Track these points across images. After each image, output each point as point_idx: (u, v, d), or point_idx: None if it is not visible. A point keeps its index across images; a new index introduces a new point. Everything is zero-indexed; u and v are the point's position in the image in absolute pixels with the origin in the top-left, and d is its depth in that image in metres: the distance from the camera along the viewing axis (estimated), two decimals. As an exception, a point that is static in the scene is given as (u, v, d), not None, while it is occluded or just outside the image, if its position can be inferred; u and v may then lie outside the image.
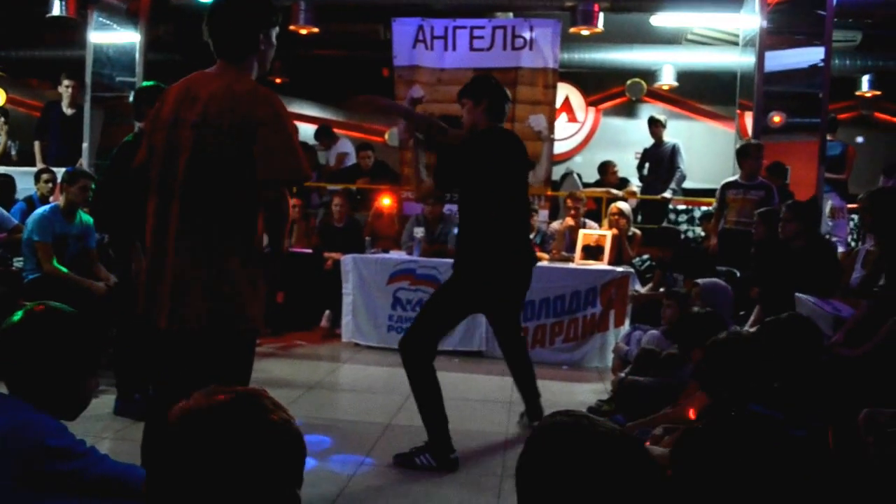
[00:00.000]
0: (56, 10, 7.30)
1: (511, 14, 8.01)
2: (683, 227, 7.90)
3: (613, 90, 10.68)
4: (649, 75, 9.87)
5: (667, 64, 9.55)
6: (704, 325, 3.29)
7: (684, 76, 9.60)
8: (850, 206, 6.73)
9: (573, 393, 4.82)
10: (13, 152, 8.36)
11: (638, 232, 6.60)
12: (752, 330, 3.61)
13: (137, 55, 7.38)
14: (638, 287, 5.76)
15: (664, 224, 7.68)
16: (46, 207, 4.85)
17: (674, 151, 7.85)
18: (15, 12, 8.18)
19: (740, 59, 7.78)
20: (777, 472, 1.34)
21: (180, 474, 1.07)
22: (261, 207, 2.36)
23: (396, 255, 6.29)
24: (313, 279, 6.58)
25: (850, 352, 3.38)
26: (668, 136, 8.04)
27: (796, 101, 6.85)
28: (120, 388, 3.98)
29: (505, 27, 7.47)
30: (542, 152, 7.13)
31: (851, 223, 7.10)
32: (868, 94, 9.80)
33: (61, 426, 1.65)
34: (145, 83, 4.32)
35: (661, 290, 5.31)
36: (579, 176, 8.48)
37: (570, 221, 6.44)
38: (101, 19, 7.25)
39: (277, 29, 2.47)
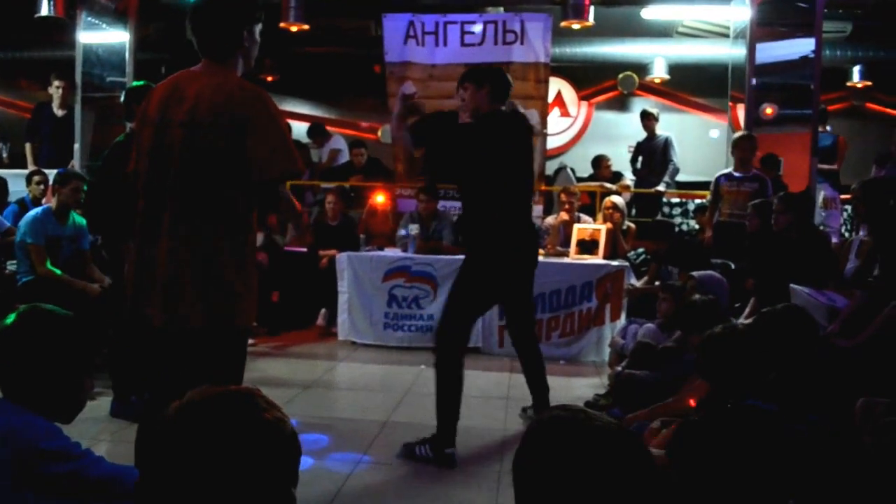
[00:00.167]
0: (44, 11, 7.25)
1: (501, 9, 8.00)
2: (678, 219, 7.92)
3: (605, 84, 10.70)
4: (641, 68, 9.88)
5: (658, 57, 9.56)
6: (706, 313, 3.30)
7: (676, 69, 9.62)
8: (842, 196, 6.75)
9: (570, 387, 4.82)
10: (4, 154, 8.33)
11: (632, 226, 6.61)
12: (748, 321, 3.61)
13: (127, 55, 7.34)
14: (633, 281, 5.76)
15: (658, 217, 7.70)
16: (39, 209, 4.83)
17: (666, 144, 7.86)
18: (2, 13, 8.12)
19: (731, 52, 7.79)
20: (773, 465, 1.34)
21: (174, 474, 1.06)
22: (254, 205, 2.36)
23: (391, 252, 6.28)
24: (308, 278, 6.57)
25: (846, 342, 3.39)
26: (661, 130, 8.06)
27: (788, 92, 6.87)
28: (116, 389, 3.97)
29: (496, 22, 7.46)
30: (535, 147, 7.12)
31: (845, 213, 7.13)
32: (859, 85, 9.83)
33: (56, 429, 1.64)
34: (135, 83, 4.29)
35: (657, 283, 5.32)
36: (573, 170, 8.48)
37: (564, 216, 6.44)
38: (90, 19, 7.21)
39: (261, 25, 2.45)
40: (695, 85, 10.16)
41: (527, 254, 3.76)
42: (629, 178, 8.27)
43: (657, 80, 9.88)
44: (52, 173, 5.46)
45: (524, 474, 1.15)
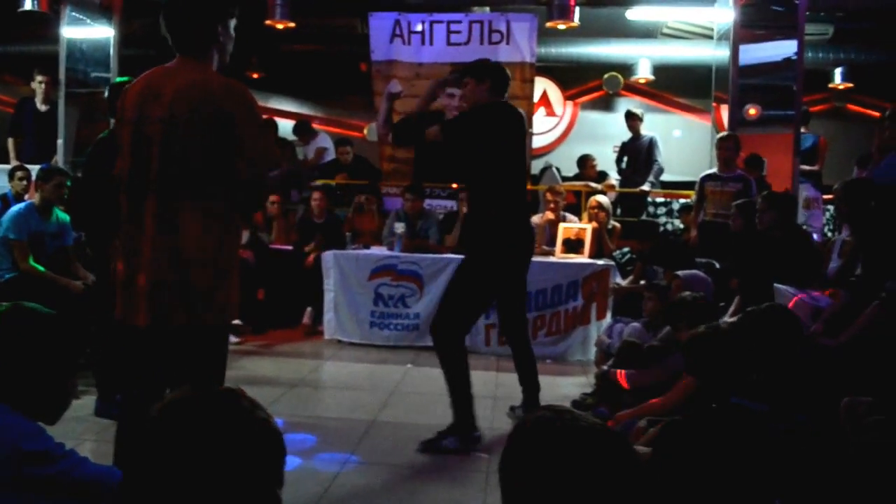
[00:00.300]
0: (28, 5, 7.17)
1: (488, 8, 8.01)
2: (662, 219, 7.97)
3: (591, 84, 10.73)
4: (626, 69, 9.92)
5: (643, 58, 9.61)
6: (696, 309, 3.33)
7: (660, 70, 9.67)
8: (824, 196, 6.81)
9: (557, 386, 4.84)
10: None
11: (617, 225, 6.64)
12: (732, 320, 3.64)
13: (112, 50, 7.28)
14: (619, 280, 5.79)
15: (643, 217, 7.73)
16: (22, 205, 4.79)
17: (651, 144, 7.91)
18: (-15, 8, 8.03)
19: (715, 53, 7.84)
20: (759, 465, 1.35)
21: (157, 475, 1.06)
22: (236, 200, 2.35)
23: (377, 250, 6.28)
24: (294, 276, 6.55)
25: (830, 341, 3.43)
26: (646, 130, 8.10)
27: (771, 93, 6.92)
28: (100, 388, 3.94)
29: (482, 21, 7.48)
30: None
31: (827, 214, 7.20)
32: (841, 87, 9.93)
33: (39, 429, 1.62)
34: (119, 79, 4.26)
35: (642, 282, 5.34)
36: (558, 170, 8.50)
37: (549, 215, 6.45)
38: (73, 14, 7.14)
39: (236, 20, 2.44)
40: (679, 86, 10.22)
41: (527, 249, 3.85)
42: (614, 178, 8.31)
43: (642, 81, 9.93)
44: (34, 169, 5.41)
45: (510, 475, 1.15)
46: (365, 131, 10.62)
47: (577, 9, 7.43)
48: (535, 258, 5.94)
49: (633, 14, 8.53)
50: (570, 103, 10.96)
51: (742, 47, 6.83)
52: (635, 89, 10.46)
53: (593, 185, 7.83)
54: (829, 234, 6.66)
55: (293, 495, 2.86)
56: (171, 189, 2.27)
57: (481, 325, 5.67)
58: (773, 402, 2.43)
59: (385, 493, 3.12)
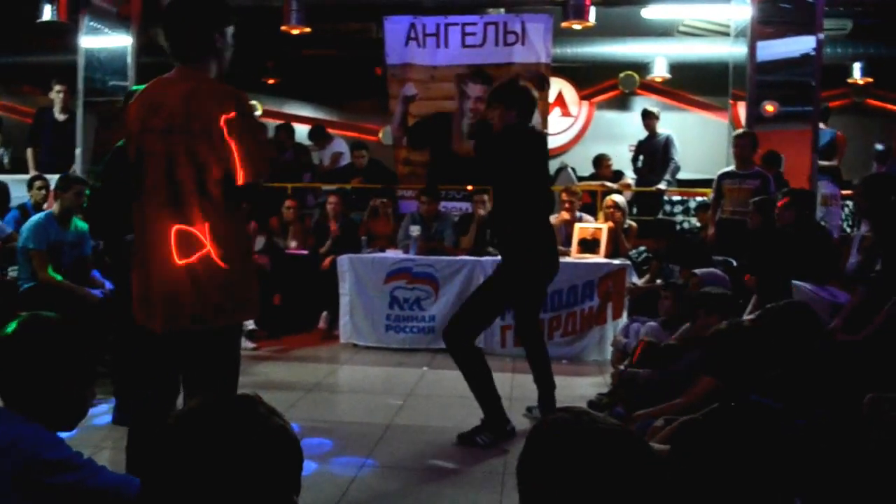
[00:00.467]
0: (47, 15, 7.27)
1: (502, 10, 8.00)
2: (679, 217, 7.91)
3: (606, 83, 10.68)
4: (642, 68, 9.87)
5: (659, 56, 9.55)
6: (720, 303, 3.32)
7: (677, 68, 9.60)
8: (843, 192, 6.74)
9: (573, 387, 4.81)
10: (5, 160, 8.33)
11: (633, 224, 6.60)
12: (751, 318, 3.60)
13: (129, 59, 7.36)
14: (635, 279, 5.76)
15: (659, 216, 7.69)
16: (41, 215, 4.82)
17: (667, 143, 7.85)
18: (5, 18, 8.13)
19: (732, 50, 7.78)
20: (778, 463, 1.33)
21: (175, 483, 1.06)
22: (240, 203, 2.37)
23: (393, 254, 6.28)
24: (310, 280, 6.57)
25: (850, 337, 3.38)
26: (662, 128, 8.04)
27: (789, 90, 6.86)
28: (119, 397, 3.96)
29: (497, 23, 7.47)
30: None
31: (846, 209, 7.11)
32: (860, 82, 9.81)
33: (57, 438, 1.63)
34: (136, 87, 4.29)
35: (658, 282, 5.31)
36: (574, 170, 8.47)
37: (565, 215, 6.43)
38: (92, 24, 7.23)
39: (233, 28, 2.46)
40: (696, 83, 10.14)
41: (556, 262, 4.01)
42: (630, 177, 8.26)
43: (658, 80, 9.86)
44: (53, 178, 5.47)
45: (528, 477, 1.14)
46: (380, 135, 10.64)
47: (593, 8, 7.40)
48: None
49: (649, 12, 8.49)
50: (585, 103, 10.92)
51: (759, 44, 6.78)
52: (651, 88, 10.39)
53: (609, 184, 7.79)
54: (848, 230, 6.57)
55: (311, 500, 2.87)
56: (177, 198, 2.31)
57: (497, 327, 5.66)
58: (792, 399, 2.40)
59: (402, 497, 3.12)
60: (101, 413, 3.98)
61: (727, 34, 8.26)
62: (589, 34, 8.49)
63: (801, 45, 6.72)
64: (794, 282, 4.02)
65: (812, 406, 2.41)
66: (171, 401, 2.44)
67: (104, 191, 4.05)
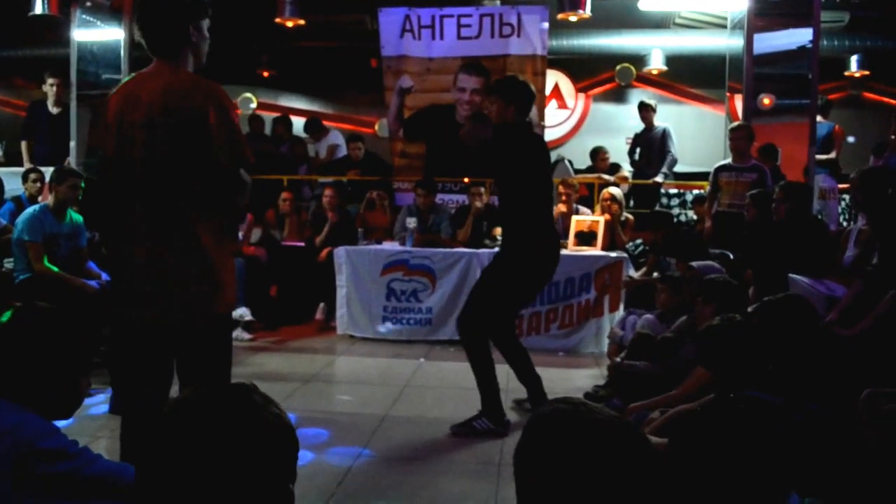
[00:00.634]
0: (39, 9, 7.21)
1: (498, 1, 7.97)
2: (676, 210, 7.92)
3: (603, 76, 10.67)
4: (638, 60, 9.86)
5: (655, 48, 9.54)
6: (724, 291, 3.31)
7: (673, 60, 9.60)
8: (841, 186, 6.75)
9: (570, 379, 4.83)
10: (0, 152, 8.30)
11: (630, 217, 6.60)
12: (749, 311, 3.61)
13: (122, 52, 7.32)
14: (631, 272, 5.76)
15: (656, 208, 7.69)
16: (36, 207, 4.82)
17: (664, 135, 7.85)
18: (-3, 11, 8.09)
19: (729, 42, 7.77)
20: (775, 457, 1.33)
21: (171, 471, 1.05)
22: (221, 195, 2.38)
23: (389, 246, 6.28)
24: (306, 272, 6.56)
25: (846, 331, 3.39)
26: (659, 121, 8.04)
27: (786, 82, 6.85)
28: (115, 386, 3.96)
29: (492, 15, 7.44)
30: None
31: (842, 203, 7.12)
32: (857, 75, 9.82)
33: (53, 427, 1.63)
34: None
35: (655, 274, 5.31)
36: (571, 162, 8.46)
37: (562, 208, 6.43)
38: (84, 17, 7.18)
39: (209, 20, 2.47)
40: (692, 76, 10.14)
41: (557, 253, 4.03)
42: (627, 170, 8.26)
43: (654, 72, 9.86)
44: (48, 171, 5.44)
45: (526, 467, 1.14)
46: (376, 127, 10.63)
47: (589, 0, 7.38)
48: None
49: (646, 4, 8.46)
50: (582, 95, 10.91)
51: (756, 36, 6.76)
52: (648, 80, 10.39)
53: (606, 177, 7.78)
54: (845, 224, 6.58)
55: (306, 490, 2.87)
56: (157, 192, 2.32)
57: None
58: (789, 393, 2.40)
59: (398, 487, 3.12)
60: (98, 403, 3.99)
61: (724, 26, 8.25)
62: (585, 26, 8.48)
63: (798, 37, 6.70)
64: (791, 275, 4.02)
65: (808, 400, 2.42)
66: (163, 391, 2.45)
67: (99, 183, 4.04)
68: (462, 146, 4.13)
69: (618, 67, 10.16)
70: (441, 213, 6.72)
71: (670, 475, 1.30)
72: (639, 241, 6.36)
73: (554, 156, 8.95)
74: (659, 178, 7.70)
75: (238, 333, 5.92)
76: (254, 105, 10.88)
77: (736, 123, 6.32)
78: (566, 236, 6.12)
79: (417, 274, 5.95)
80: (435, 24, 7.46)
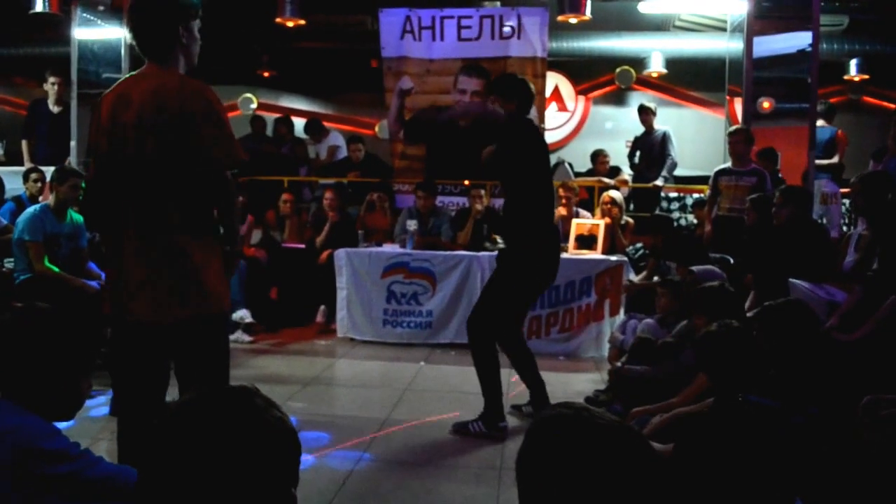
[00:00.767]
0: (39, 7, 7.21)
1: (498, 3, 7.98)
2: (676, 214, 7.91)
3: (603, 78, 10.66)
4: (638, 63, 9.86)
5: (655, 51, 9.54)
6: (720, 299, 3.30)
7: (673, 63, 9.59)
8: (843, 190, 6.76)
9: (570, 383, 4.82)
10: (0, 152, 8.30)
11: (630, 220, 6.60)
12: (749, 315, 3.61)
13: (123, 51, 7.30)
14: (632, 276, 5.76)
15: (656, 212, 7.69)
16: (37, 207, 4.81)
17: (664, 139, 7.85)
18: (-3, 9, 8.09)
19: (729, 45, 7.78)
20: (777, 461, 1.33)
21: (173, 475, 1.05)
22: (211, 195, 2.40)
23: (390, 248, 6.27)
24: (307, 274, 6.56)
25: (845, 336, 3.39)
26: (659, 124, 8.04)
27: (785, 86, 6.86)
28: (115, 388, 3.95)
29: (492, 16, 7.45)
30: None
31: (842, 208, 7.12)
32: (856, 78, 9.81)
33: (55, 429, 1.63)
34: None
35: (655, 278, 5.31)
36: (571, 165, 8.47)
37: (562, 211, 6.43)
38: (84, 15, 7.18)
39: (199, 22, 2.48)
40: (692, 79, 10.13)
41: (558, 255, 4.05)
42: (627, 173, 8.26)
43: (654, 75, 9.86)
44: (48, 170, 5.43)
45: (528, 472, 1.14)
46: (376, 128, 10.62)
47: (589, 2, 7.39)
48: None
49: (646, 7, 8.47)
50: (581, 98, 10.90)
51: (756, 39, 6.77)
52: (648, 83, 10.39)
53: (606, 180, 7.79)
54: (845, 229, 6.58)
55: (307, 493, 2.87)
56: (147, 192, 2.34)
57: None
58: (789, 398, 2.40)
59: (398, 491, 3.12)
60: (99, 405, 3.99)
61: (724, 29, 8.25)
62: (585, 28, 8.48)
63: (798, 40, 6.71)
64: (791, 280, 4.02)
65: (808, 405, 2.42)
66: (159, 392, 2.45)
67: (93, 183, 4.04)
68: (464, 147, 4.13)
69: (618, 70, 10.16)
70: (441, 216, 6.72)
71: (676, 479, 1.30)
72: (639, 244, 6.36)
73: (554, 159, 8.98)
74: (659, 182, 7.70)
75: (238, 335, 5.92)
76: (254, 105, 10.88)
77: (734, 127, 6.32)
78: (566, 240, 6.12)
79: (418, 277, 5.95)
80: (435, 25, 7.46)
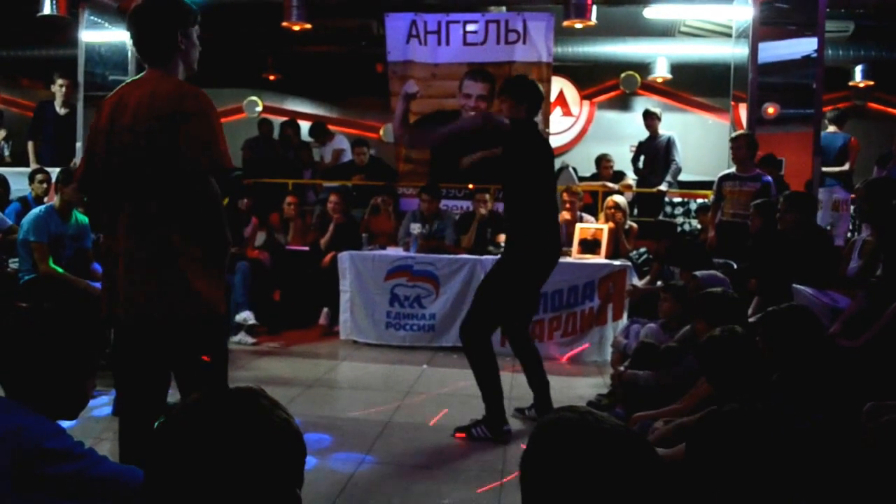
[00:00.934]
0: (47, 9, 7.24)
1: (504, 8, 7.99)
2: (680, 219, 7.91)
3: (607, 83, 10.68)
4: (643, 68, 9.86)
5: (660, 56, 9.54)
6: (724, 305, 3.29)
7: (678, 68, 9.60)
8: (853, 196, 6.74)
9: (572, 387, 4.82)
10: (6, 153, 8.33)
11: (634, 225, 6.60)
12: (753, 321, 3.60)
13: (129, 53, 7.34)
14: (635, 280, 5.76)
15: (660, 217, 7.69)
16: (42, 208, 4.83)
17: (669, 144, 7.84)
18: (5, 12, 8.12)
19: (734, 51, 7.77)
20: (781, 466, 1.33)
21: (179, 476, 1.05)
22: (203, 197, 2.38)
23: (393, 251, 6.28)
24: (310, 277, 6.57)
25: (850, 342, 3.38)
26: (663, 129, 8.04)
27: (790, 92, 6.85)
28: (119, 388, 3.96)
29: (498, 21, 7.47)
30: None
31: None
32: (861, 85, 9.80)
33: (59, 428, 1.64)
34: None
35: (659, 283, 5.30)
36: (575, 170, 8.47)
37: (566, 215, 6.43)
38: (92, 18, 7.21)
39: (198, 27, 2.50)
40: (697, 84, 10.14)
41: (557, 254, 4.05)
42: (631, 178, 8.26)
43: (659, 80, 9.86)
44: (54, 171, 5.46)
45: (532, 476, 1.14)
46: (381, 132, 10.64)
47: (595, 7, 7.40)
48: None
49: (651, 12, 8.47)
50: (586, 103, 10.92)
51: (761, 45, 6.77)
52: (653, 88, 10.39)
53: (610, 185, 7.79)
54: (849, 235, 6.57)
55: (309, 496, 2.85)
56: (140, 193, 2.35)
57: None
58: (793, 403, 2.40)
59: (400, 494, 3.12)
60: (102, 405, 4.00)
61: (729, 35, 8.25)
62: (590, 33, 8.48)
63: (803, 46, 6.71)
64: (795, 286, 4.01)
65: (812, 411, 2.41)
66: (159, 393, 2.45)
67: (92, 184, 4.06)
68: (468, 152, 4.13)
69: (622, 75, 10.17)
70: (445, 220, 6.72)
71: (684, 484, 1.29)
72: (643, 249, 6.36)
73: (558, 163, 8.98)
74: (663, 187, 7.70)
75: (241, 337, 5.93)
76: (259, 108, 10.91)
77: (735, 133, 6.31)
78: (570, 244, 6.12)
79: (421, 280, 5.96)
80: (441, 29, 7.48)
